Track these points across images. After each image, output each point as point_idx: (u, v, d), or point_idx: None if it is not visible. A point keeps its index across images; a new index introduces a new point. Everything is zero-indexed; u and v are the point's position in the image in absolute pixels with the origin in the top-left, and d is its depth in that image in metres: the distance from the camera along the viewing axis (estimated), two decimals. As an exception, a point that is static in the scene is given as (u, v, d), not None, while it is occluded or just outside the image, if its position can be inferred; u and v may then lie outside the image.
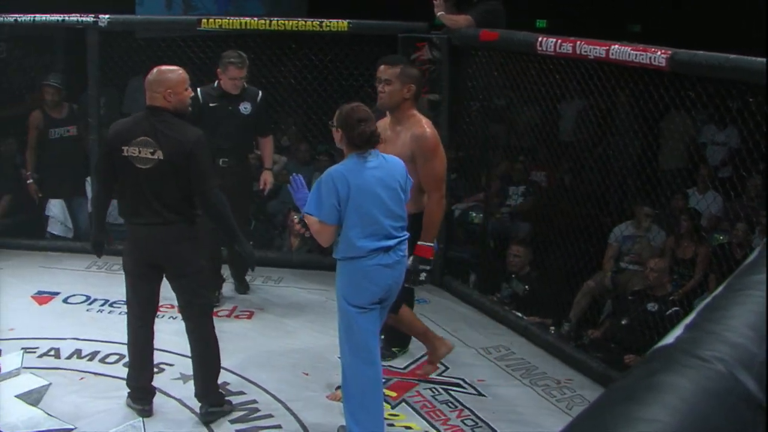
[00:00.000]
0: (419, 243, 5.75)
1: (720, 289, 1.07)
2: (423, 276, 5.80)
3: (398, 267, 5.19)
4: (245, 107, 7.50)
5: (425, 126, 5.94)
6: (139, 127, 5.38)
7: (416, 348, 6.84)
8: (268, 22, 8.22)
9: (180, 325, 5.73)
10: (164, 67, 5.52)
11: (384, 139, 5.37)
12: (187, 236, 5.48)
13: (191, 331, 5.65)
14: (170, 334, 6.47)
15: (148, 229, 5.43)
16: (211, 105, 7.43)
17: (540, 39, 6.85)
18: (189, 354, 5.73)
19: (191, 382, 5.79)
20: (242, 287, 8.04)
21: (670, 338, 0.95)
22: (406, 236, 5.26)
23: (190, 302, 5.58)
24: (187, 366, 5.87)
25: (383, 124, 5.77)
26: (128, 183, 5.43)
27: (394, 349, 6.71)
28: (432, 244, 5.84)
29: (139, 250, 5.50)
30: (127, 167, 5.37)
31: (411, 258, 5.62)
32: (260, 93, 7.68)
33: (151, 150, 5.30)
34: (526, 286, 7.76)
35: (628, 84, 6.93)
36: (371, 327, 5.21)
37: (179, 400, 5.92)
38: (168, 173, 5.31)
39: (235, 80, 7.41)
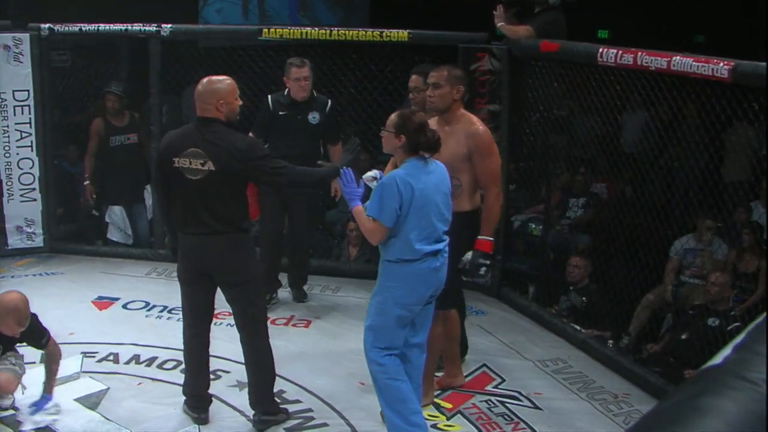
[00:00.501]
0: (479, 237, 5.83)
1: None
2: (483, 270, 5.83)
3: (443, 269, 5.29)
4: (314, 116, 7.55)
5: (477, 123, 6.02)
6: (189, 138, 5.40)
7: (472, 360, 6.82)
8: (328, 32, 8.25)
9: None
10: (214, 78, 5.50)
11: None
12: (238, 245, 5.49)
13: (245, 341, 5.68)
14: (227, 341, 6.48)
15: (199, 239, 5.45)
16: (280, 113, 7.50)
17: (601, 50, 6.80)
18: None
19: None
20: (300, 295, 8.06)
21: (718, 358, 0.92)
22: (448, 240, 5.34)
23: (244, 311, 5.60)
24: (243, 373, 5.86)
25: (432, 126, 5.78)
26: (179, 193, 5.46)
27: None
28: (492, 239, 5.90)
29: (191, 259, 5.53)
30: (178, 178, 5.40)
31: (471, 252, 5.81)
32: (329, 102, 7.74)
33: (202, 161, 5.31)
34: (584, 299, 7.69)
35: (690, 95, 6.84)
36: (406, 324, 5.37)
37: (235, 408, 5.95)
38: (219, 184, 5.33)
39: (300, 81, 7.46)
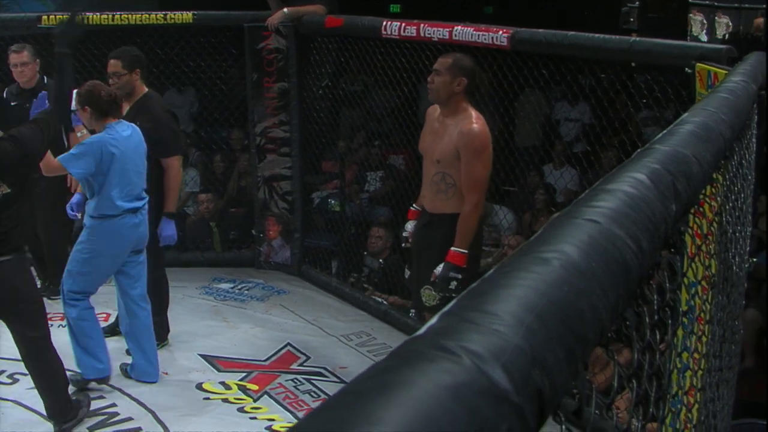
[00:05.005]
0: (452, 249, 5.22)
1: (491, 271, 1.03)
2: (453, 284, 5.17)
3: (143, 225, 5.83)
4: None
5: (474, 122, 5.24)
6: None
7: (275, 340, 6.80)
8: (110, 17, 8.01)
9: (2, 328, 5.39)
10: None
11: (432, 131, 5.39)
12: (24, 268, 5.17)
13: (29, 363, 5.29)
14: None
15: None
16: (12, 104, 7.42)
17: (385, 23, 6.86)
18: (17, 357, 5.36)
19: (25, 380, 5.56)
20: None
21: (423, 328, 0.90)
22: (147, 199, 5.87)
23: (26, 336, 5.19)
24: (16, 366, 5.62)
25: (433, 114, 5.45)
26: None
27: None
28: (465, 251, 5.22)
29: None
30: None
31: (442, 264, 5.24)
32: None
33: None
34: (381, 261, 7.72)
35: (482, 64, 6.97)
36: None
37: (32, 409, 5.65)
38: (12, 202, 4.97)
39: (17, 67, 7.29)
